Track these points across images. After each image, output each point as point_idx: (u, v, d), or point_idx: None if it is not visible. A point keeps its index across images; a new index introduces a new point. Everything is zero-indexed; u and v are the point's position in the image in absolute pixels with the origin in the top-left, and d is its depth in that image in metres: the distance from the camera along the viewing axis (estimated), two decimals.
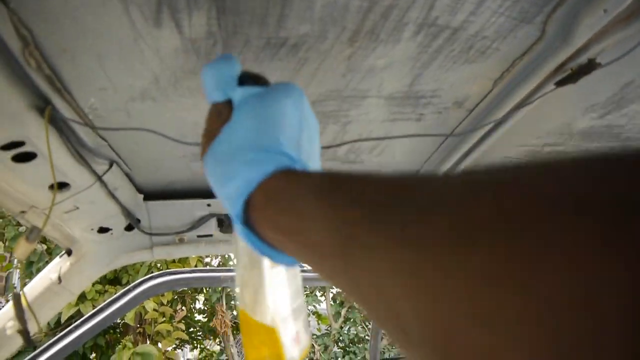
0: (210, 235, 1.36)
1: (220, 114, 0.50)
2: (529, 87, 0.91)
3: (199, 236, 1.36)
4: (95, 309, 1.70)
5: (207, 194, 1.30)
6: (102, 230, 1.24)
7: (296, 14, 0.72)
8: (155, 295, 4.67)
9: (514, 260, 0.19)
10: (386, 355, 6.44)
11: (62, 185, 1.01)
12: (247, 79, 0.52)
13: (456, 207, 0.24)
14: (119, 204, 1.17)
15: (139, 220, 1.29)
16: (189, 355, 8.03)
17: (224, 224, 1.35)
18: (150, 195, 1.28)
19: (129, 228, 1.29)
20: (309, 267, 0.38)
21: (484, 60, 0.86)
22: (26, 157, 0.86)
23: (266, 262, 0.55)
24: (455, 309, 0.21)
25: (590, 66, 0.84)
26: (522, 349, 0.18)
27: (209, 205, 1.30)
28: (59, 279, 1.27)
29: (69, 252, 1.30)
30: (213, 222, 1.33)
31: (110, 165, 1.07)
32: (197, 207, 1.30)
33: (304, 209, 0.37)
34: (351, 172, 0.36)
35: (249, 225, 0.45)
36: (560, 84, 0.87)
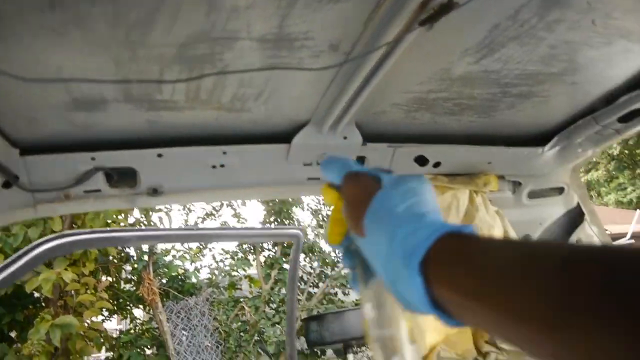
0: (99, 191, 1.32)
1: (367, 187, 0.59)
2: (397, 27, 0.92)
3: (85, 192, 1.30)
4: None
5: (90, 146, 1.24)
6: None
7: None
8: (51, 258, 4.43)
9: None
10: (314, 312, 6.61)
11: None
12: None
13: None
14: None
15: (17, 177, 1.22)
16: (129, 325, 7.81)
17: (112, 178, 1.31)
18: (28, 149, 1.21)
19: (6, 185, 1.22)
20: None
21: None
22: None
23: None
24: None
25: (449, 5, 0.86)
26: None
27: (93, 158, 1.25)
28: None
29: None
30: (100, 176, 1.28)
31: None
32: (80, 161, 1.25)
33: (493, 272, 0.40)
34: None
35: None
36: (423, 23, 0.89)
